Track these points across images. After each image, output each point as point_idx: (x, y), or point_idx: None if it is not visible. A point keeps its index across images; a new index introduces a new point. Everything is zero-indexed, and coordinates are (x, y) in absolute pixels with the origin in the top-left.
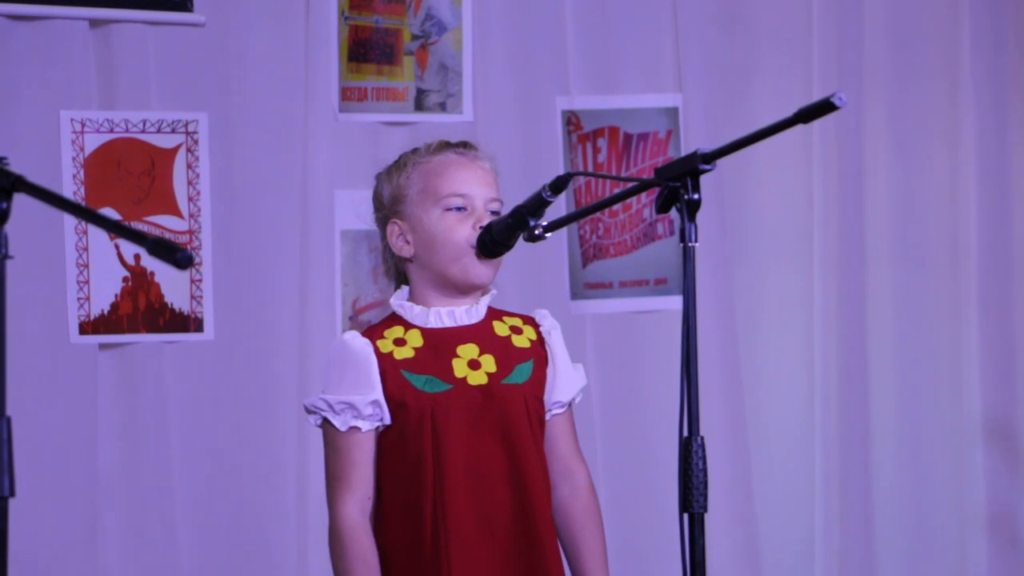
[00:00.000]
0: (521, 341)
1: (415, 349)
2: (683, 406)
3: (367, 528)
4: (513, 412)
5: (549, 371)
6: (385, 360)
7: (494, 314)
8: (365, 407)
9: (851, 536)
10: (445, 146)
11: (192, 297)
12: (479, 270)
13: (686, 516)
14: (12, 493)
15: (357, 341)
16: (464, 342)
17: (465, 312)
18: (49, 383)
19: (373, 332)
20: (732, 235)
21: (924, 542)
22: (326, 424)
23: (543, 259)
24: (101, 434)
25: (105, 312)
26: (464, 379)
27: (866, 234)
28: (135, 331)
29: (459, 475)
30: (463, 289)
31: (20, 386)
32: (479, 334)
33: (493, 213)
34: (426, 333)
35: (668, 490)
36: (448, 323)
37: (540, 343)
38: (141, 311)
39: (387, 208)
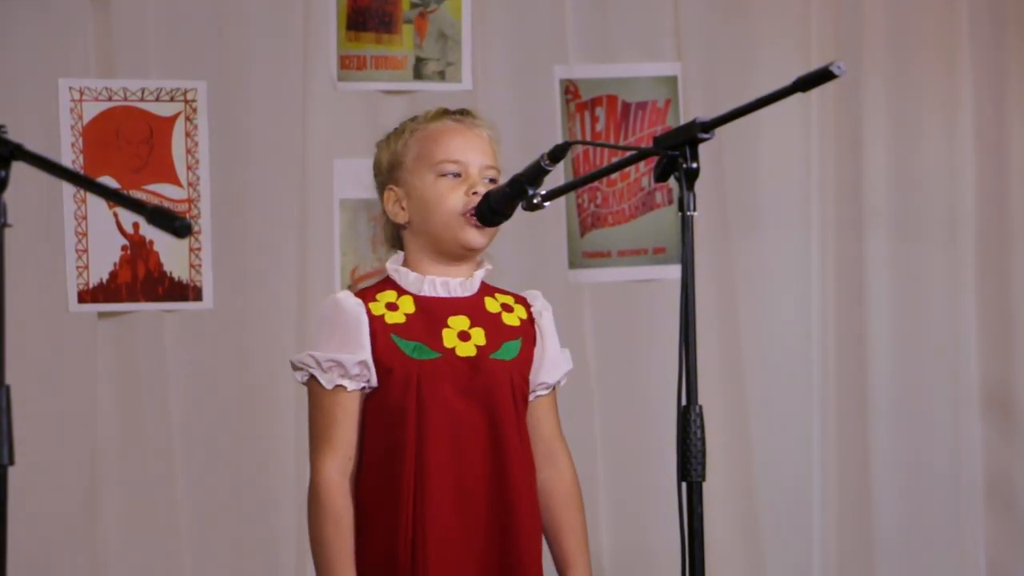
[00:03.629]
0: (511, 319)
1: (407, 315)
2: (681, 375)
3: (344, 488)
4: (498, 387)
5: (537, 351)
6: (376, 322)
7: (487, 290)
8: (353, 367)
9: (849, 504)
10: (443, 113)
11: (191, 266)
12: (471, 234)
13: (684, 485)
14: (12, 461)
15: (349, 301)
16: (455, 313)
17: (459, 284)
18: (48, 351)
19: (366, 294)
20: (731, 204)
21: (922, 510)
22: (312, 381)
23: (541, 228)
24: (100, 402)
25: (104, 281)
26: (453, 349)
27: (864, 204)
28: (134, 300)
29: (440, 436)
30: (456, 254)
31: (19, 354)
32: (471, 307)
33: (490, 181)
34: (419, 300)
35: (666, 459)
36: (441, 293)
37: (530, 323)
38: (140, 280)
39: (385, 175)
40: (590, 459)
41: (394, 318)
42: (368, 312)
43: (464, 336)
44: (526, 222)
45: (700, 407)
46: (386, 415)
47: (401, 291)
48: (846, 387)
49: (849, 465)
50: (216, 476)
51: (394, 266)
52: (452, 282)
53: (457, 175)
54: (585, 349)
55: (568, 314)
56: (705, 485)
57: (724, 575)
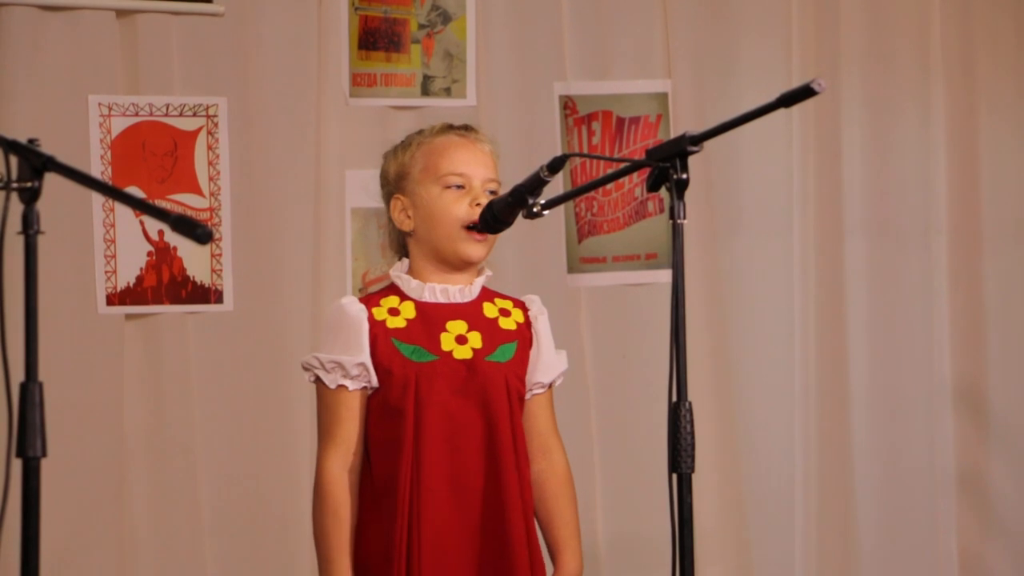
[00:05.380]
0: (508, 323)
1: (407, 320)
2: (672, 373)
3: (344, 481)
4: (493, 387)
5: (532, 353)
6: (378, 327)
7: (487, 295)
8: (352, 368)
9: (829, 494)
10: (447, 128)
11: (212, 270)
12: (472, 248)
13: (675, 476)
14: (44, 453)
15: (353, 306)
16: (454, 318)
17: (458, 291)
18: (79, 351)
19: (370, 299)
20: (718, 212)
21: (898, 499)
22: (318, 381)
23: (541, 235)
24: (127, 399)
25: (131, 284)
26: (450, 352)
27: (843, 211)
28: (159, 302)
29: (437, 434)
30: (456, 265)
31: (51, 354)
32: (469, 312)
33: (491, 192)
34: (419, 306)
35: (658, 452)
36: (441, 299)
37: (527, 326)
38: (164, 283)
39: (392, 184)
40: (587, 452)
41: (395, 323)
42: (370, 317)
43: (461, 339)
44: (528, 229)
45: (690, 403)
46: (387, 414)
47: (404, 297)
48: (827, 383)
49: (830, 457)
50: (235, 467)
51: (397, 273)
52: (451, 289)
53: (461, 187)
54: (582, 348)
55: (566, 315)
56: (694, 476)
57: (712, 560)
